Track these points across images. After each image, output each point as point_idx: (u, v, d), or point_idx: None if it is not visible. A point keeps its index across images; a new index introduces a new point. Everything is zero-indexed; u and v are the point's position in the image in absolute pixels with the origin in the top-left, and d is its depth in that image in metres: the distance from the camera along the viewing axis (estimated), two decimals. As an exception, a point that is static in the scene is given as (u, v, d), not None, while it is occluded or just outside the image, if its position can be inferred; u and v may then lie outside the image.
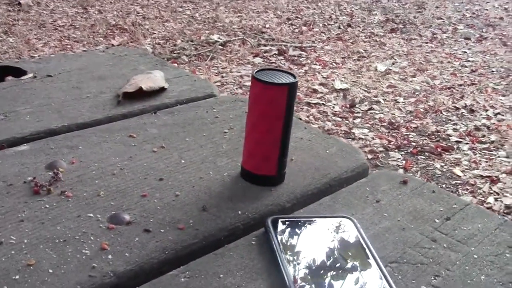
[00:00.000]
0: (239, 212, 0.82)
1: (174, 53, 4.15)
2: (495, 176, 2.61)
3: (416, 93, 3.54)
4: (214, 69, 3.86)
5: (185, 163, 0.94)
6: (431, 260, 0.76)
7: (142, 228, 0.77)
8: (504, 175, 2.63)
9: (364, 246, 0.75)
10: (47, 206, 0.80)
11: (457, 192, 2.52)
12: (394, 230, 0.82)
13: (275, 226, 0.77)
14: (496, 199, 2.49)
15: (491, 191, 2.54)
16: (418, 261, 0.75)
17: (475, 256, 0.77)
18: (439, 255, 0.77)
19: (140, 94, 1.18)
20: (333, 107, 3.26)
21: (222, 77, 3.71)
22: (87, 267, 0.69)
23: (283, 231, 0.77)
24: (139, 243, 0.74)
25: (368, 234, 0.79)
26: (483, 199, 2.46)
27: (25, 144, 0.97)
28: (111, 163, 0.92)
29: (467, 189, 2.53)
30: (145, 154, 0.96)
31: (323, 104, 3.31)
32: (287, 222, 0.79)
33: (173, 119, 1.10)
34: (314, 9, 5.65)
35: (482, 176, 2.62)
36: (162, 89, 1.22)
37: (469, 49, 4.63)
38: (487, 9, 6.00)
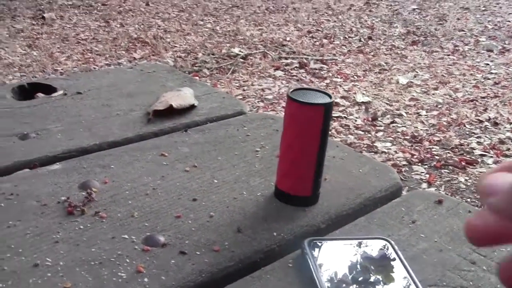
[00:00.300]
0: (274, 234, 0.81)
1: (196, 66, 4.16)
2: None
3: (439, 106, 3.52)
4: (236, 82, 3.86)
5: (218, 183, 0.93)
6: (471, 283, 0.74)
7: (178, 250, 0.76)
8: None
9: (403, 268, 0.74)
10: (82, 227, 0.80)
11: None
12: (432, 252, 0.80)
13: (312, 247, 0.76)
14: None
15: None
16: (458, 284, 0.74)
17: (516, 279, 0.76)
18: (479, 278, 0.76)
19: (170, 112, 1.18)
20: (355, 121, 3.25)
21: (244, 90, 3.72)
22: (125, 291, 0.68)
23: (320, 253, 0.76)
24: (175, 266, 0.73)
25: (406, 255, 0.78)
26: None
27: (58, 163, 0.97)
28: (144, 182, 0.92)
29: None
30: (177, 173, 0.96)
31: (345, 117, 3.30)
32: (323, 244, 0.78)
33: (204, 137, 1.09)
34: (335, 21, 5.65)
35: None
36: (192, 107, 1.22)
37: (491, 61, 4.59)
38: (509, 21, 5.96)
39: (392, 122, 3.25)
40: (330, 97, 0.84)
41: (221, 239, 0.79)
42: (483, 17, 6.10)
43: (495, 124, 3.28)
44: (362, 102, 3.51)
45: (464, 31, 5.52)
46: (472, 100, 3.66)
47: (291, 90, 0.85)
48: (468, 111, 3.44)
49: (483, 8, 6.43)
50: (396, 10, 6.18)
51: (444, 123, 3.26)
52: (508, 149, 2.95)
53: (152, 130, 1.12)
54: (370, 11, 6.13)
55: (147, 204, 0.86)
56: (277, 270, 0.74)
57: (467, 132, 3.17)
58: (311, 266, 0.72)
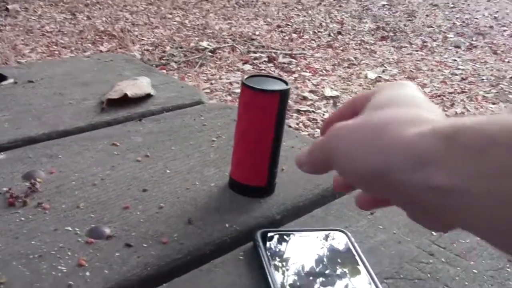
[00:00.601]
0: (227, 225, 0.78)
1: (163, 60, 4.11)
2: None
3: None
4: (203, 76, 3.82)
5: (171, 173, 0.90)
6: (429, 275, 0.72)
7: (123, 243, 0.72)
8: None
9: (359, 261, 0.71)
10: (23, 219, 0.75)
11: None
12: (390, 244, 0.78)
13: (264, 240, 0.73)
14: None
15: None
16: (415, 277, 0.71)
17: (475, 271, 0.73)
18: (437, 270, 0.73)
19: (125, 101, 1.13)
20: (323, 115, 3.23)
21: (211, 84, 3.67)
22: (62, 285, 0.64)
23: (272, 246, 0.73)
24: (119, 259, 0.69)
25: (363, 248, 0.75)
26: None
27: (2, 153, 0.92)
28: (93, 173, 0.88)
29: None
30: (128, 163, 0.92)
31: (313, 111, 3.28)
32: (277, 236, 0.75)
33: (159, 127, 1.05)
34: (305, 16, 5.63)
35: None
36: (148, 96, 1.18)
37: (459, 57, 4.62)
38: (477, 18, 6.01)
39: (360, 117, 3.23)
40: (287, 84, 0.81)
41: (170, 231, 0.75)
42: (452, 14, 6.15)
43: (462, 119, 3.28)
44: (331, 96, 3.50)
45: (432, 27, 5.55)
46: (439, 96, 3.67)
47: (246, 77, 0.81)
48: (435, 106, 3.44)
49: (452, 5, 6.48)
50: (366, 5, 6.19)
51: (412, 117, 3.25)
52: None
53: (105, 120, 1.08)
54: (340, 6, 6.13)
55: (94, 195, 0.82)
56: (227, 263, 0.71)
57: (434, 127, 3.17)
58: (263, 259, 0.69)
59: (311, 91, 3.58)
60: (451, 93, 3.73)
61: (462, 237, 0.80)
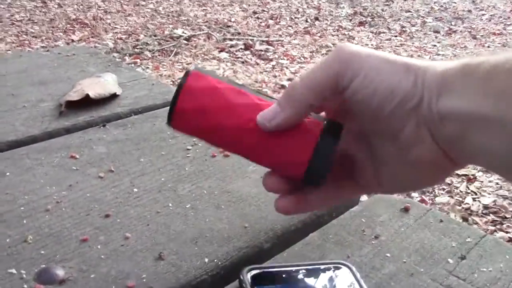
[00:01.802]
0: (206, 260, 0.64)
1: (137, 49, 3.95)
2: (472, 175, 2.51)
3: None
4: (178, 65, 3.67)
5: (139, 192, 0.76)
6: (449, 317, 0.60)
7: (80, 288, 0.59)
8: (480, 173, 2.53)
9: (367, 304, 0.59)
10: (-44, 258, 0.61)
11: (433, 193, 2.40)
12: (401, 277, 0.65)
13: (252, 279, 0.60)
14: (474, 199, 2.39)
15: (468, 191, 2.44)
16: (433, 320, 0.59)
17: (502, 308, 0.62)
18: (458, 308, 0.61)
19: (87, 103, 0.99)
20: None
21: (187, 73, 3.53)
22: None
23: (263, 286, 0.60)
24: (74, 311, 0.56)
25: (370, 283, 0.63)
26: (460, 199, 2.36)
27: None
28: (46, 194, 0.74)
29: (444, 189, 2.42)
30: (89, 181, 0.78)
31: (292, 101, 3.15)
32: (267, 273, 0.62)
33: (126, 134, 0.92)
34: (281, 2, 5.49)
35: (458, 175, 2.51)
36: (113, 96, 1.04)
37: (438, 42, 4.53)
38: (455, 2, 5.93)
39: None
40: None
41: (138, 270, 0.62)
42: (430, -3, 6.06)
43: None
44: (310, 85, 3.37)
45: (411, 12, 5.46)
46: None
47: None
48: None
49: (429, -11, 6.38)
50: (343, -10, 6.07)
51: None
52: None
53: (64, 126, 0.94)
54: (317, -9, 6.00)
55: (46, 223, 0.68)
56: (208, 311, 0.58)
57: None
58: (251, 306, 0.56)
59: (289, 79, 3.45)
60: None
61: (482, 263, 0.68)
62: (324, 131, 0.48)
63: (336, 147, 0.47)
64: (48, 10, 4.78)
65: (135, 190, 0.77)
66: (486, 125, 0.41)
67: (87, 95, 0.99)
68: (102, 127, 0.93)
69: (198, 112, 0.47)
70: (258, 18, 4.92)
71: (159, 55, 3.85)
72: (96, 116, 0.97)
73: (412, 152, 0.47)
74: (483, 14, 5.54)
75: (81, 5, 5.00)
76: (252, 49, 4.01)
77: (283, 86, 3.33)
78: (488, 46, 4.49)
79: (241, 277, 0.60)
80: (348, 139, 0.51)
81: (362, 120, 0.49)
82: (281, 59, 3.86)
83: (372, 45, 4.33)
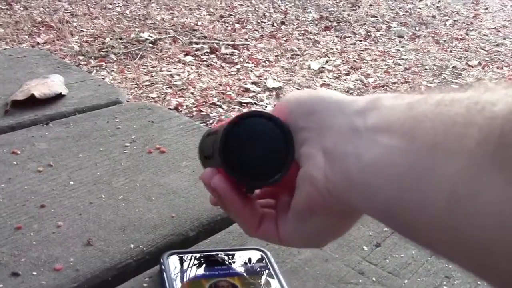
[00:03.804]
0: (132, 246, 0.69)
1: (103, 52, 3.96)
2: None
3: (350, 92, 3.48)
4: (144, 68, 3.70)
5: (74, 185, 0.80)
6: (356, 297, 0.65)
7: (10, 271, 0.63)
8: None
9: (277, 285, 0.64)
10: None
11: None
12: (316, 262, 0.70)
13: (172, 263, 0.65)
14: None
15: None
16: (340, 300, 0.65)
17: (408, 290, 0.67)
18: (366, 290, 0.67)
19: (32, 102, 1.03)
20: (266, 107, 3.16)
21: (152, 76, 3.56)
22: None
23: (181, 269, 0.65)
24: (2, 292, 0.60)
25: (285, 268, 0.68)
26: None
27: None
28: (-16, 187, 0.78)
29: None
30: (28, 174, 0.82)
31: (255, 103, 3.20)
32: (185, 258, 0.66)
33: (67, 131, 0.96)
34: (248, 6, 5.55)
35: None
36: (59, 96, 1.08)
37: (402, 47, 4.62)
38: (420, 8, 6.04)
39: (302, 109, 3.17)
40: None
41: (66, 255, 0.66)
42: (395, 3, 6.16)
43: (405, 109, 3.27)
44: (273, 87, 3.43)
45: (376, 17, 5.55)
46: (383, 86, 3.65)
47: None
48: (378, 97, 3.42)
49: (395, -5, 6.50)
50: (310, -5, 6.14)
51: (355, 109, 3.22)
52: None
53: (9, 124, 0.97)
54: (284, -4, 6.06)
55: (-17, 213, 0.72)
56: (129, 291, 0.62)
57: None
58: (167, 285, 0.61)
59: (253, 83, 3.50)
60: (394, 83, 3.72)
61: (396, 250, 0.74)
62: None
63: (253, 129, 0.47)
64: (14, 13, 4.76)
65: (71, 183, 0.81)
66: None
67: (33, 95, 1.03)
68: (45, 125, 0.97)
69: None
70: (224, 22, 4.97)
71: (124, 58, 3.87)
72: (40, 115, 1.01)
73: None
74: (447, 20, 5.66)
75: (48, 7, 4.99)
76: (217, 52, 4.05)
77: (247, 89, 3.38)
78: (451, 51, 4.59)
79: (161, 261, 0.65)
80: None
81: None
82: (246, 62, 3.91)
83: (337, 49, 4.40)
